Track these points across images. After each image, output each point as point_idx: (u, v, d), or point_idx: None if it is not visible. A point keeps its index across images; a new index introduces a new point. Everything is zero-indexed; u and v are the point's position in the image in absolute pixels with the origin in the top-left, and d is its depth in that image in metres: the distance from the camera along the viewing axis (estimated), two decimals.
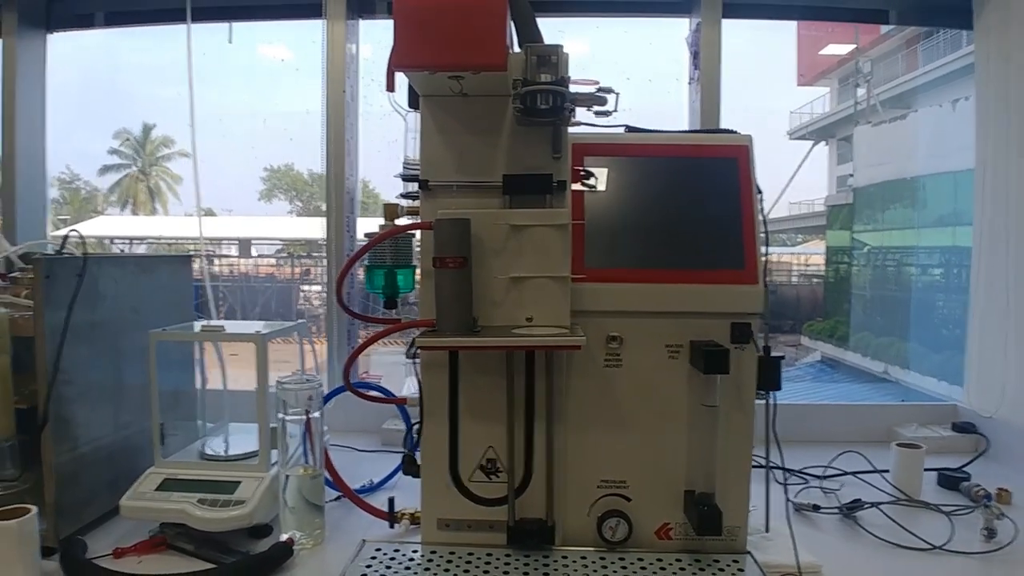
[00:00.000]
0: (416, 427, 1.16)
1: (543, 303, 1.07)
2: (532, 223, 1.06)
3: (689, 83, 1.99)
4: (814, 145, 13.27)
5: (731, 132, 1.21)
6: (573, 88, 1.02)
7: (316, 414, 1.26)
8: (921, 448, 1.56)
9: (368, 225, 1.21)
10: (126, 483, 1.28)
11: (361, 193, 2.14)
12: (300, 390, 1.25)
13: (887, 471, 1.60)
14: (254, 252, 13.39)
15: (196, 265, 1.67)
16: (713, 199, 1.15)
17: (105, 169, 18.41)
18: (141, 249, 13.96)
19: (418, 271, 1.15)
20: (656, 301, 1.12)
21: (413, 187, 1.22)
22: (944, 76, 7.28)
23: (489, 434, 1.14)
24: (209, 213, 15.63)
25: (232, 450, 1.42)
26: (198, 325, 1.38)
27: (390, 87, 1.20)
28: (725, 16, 1.94)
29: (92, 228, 13.19)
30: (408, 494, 1.29)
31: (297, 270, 14.17)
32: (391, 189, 1.30)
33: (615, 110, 1.08)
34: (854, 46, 10.38)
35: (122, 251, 13.47)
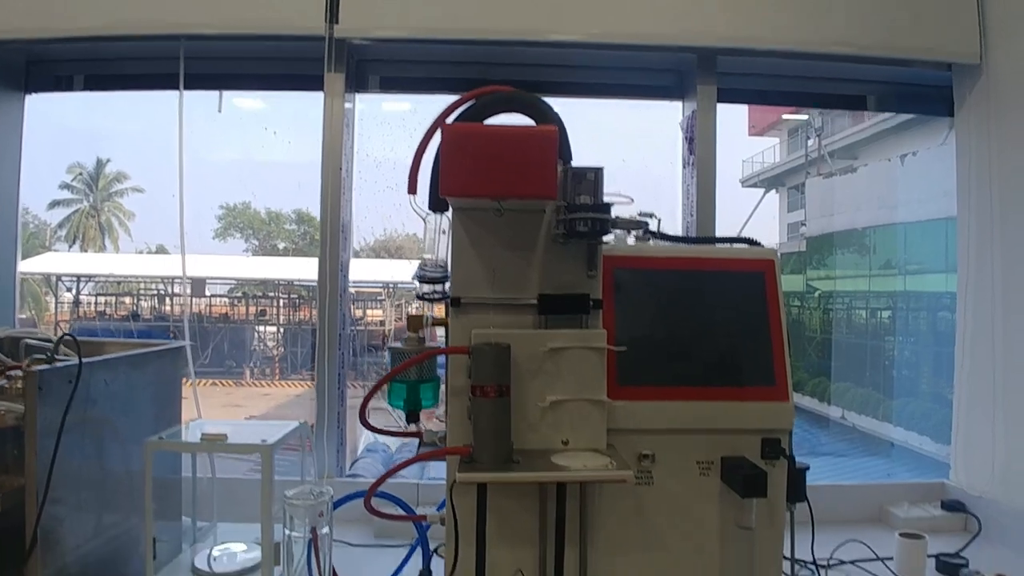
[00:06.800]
0: (437, 549, 1.10)
1: (580, 426, 1.04)
2: (571, 345, 1.03)
3: (684, 167, 2.02)
4: (765, 193, 13.74)
5: (755, 243, 1.22)
6: (615, 212, 1.01)
7: (324, 530, 1.19)
8: (924, 539, 1.56)
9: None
10: None
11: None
12: (309, 505, 1.18)
13: (891, 559, 1.60)
14: (208, 292, 12.95)
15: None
16: (741, 313, 1.15)
17: (55, 203, 17.65)
18: (89, 287, 13.34)
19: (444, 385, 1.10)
20: (687, 418, 1.10)
21: (428, 287, 1.18)
22: (891, 128, 7.70)
23: (517, 558, 1.08)
24: (161, 250, 15.17)
25: (225, 560, 1.33)
26: (197, 430, 1.29)
27: (412, 189, 1.16)
28: (720, 101, 1.98)
29: (39, 265, 12.52)
30: None
31: (252, 309, 13.78)
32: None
33: (654, 232, 1.06)
34: (800, 114, 10.91)
35: (69, 289, 12.92)
